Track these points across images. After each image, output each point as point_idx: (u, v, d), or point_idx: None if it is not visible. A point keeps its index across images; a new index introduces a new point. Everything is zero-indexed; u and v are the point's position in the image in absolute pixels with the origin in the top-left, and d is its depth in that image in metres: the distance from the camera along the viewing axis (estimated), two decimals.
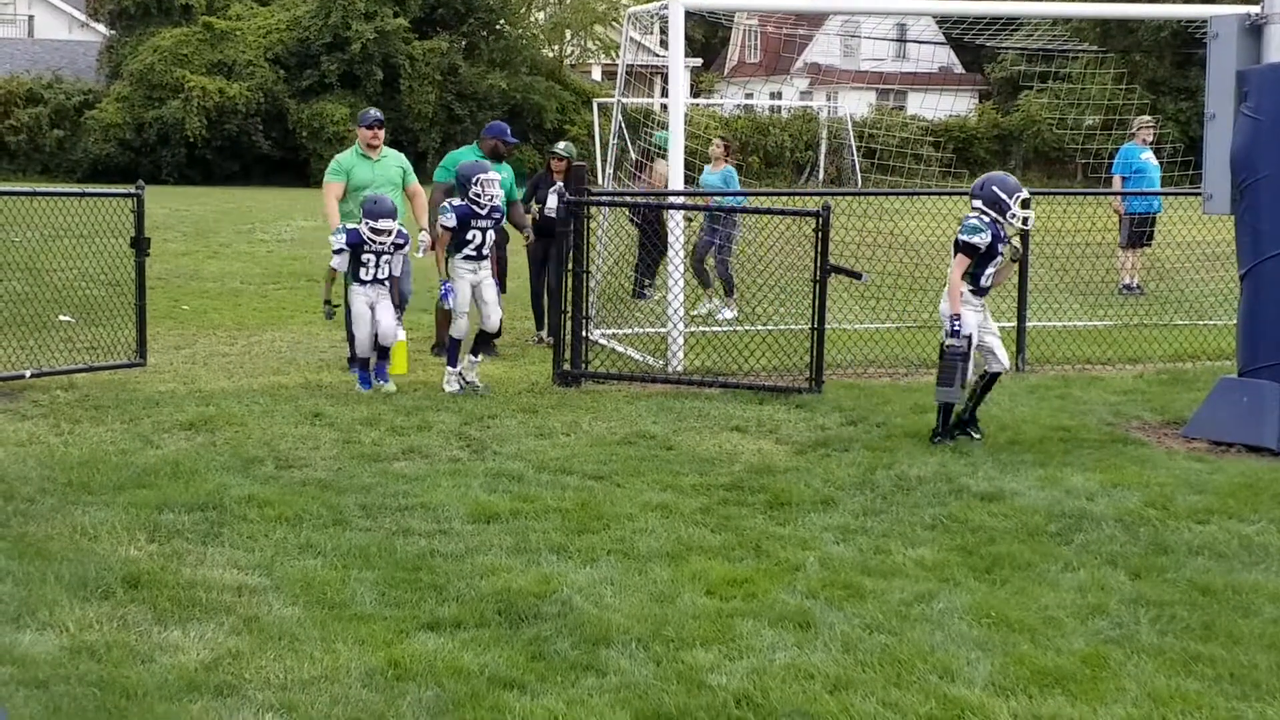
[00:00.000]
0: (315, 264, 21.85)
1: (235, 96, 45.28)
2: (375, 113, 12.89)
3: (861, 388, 12.06)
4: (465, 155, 13.20)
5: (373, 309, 11.71)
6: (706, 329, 13.92)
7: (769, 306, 13.79)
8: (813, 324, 11.86)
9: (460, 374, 11.71)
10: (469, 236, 11.60)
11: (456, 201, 11.64)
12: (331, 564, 7.16)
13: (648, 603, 6.65)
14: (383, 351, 11.81)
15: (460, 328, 11.63)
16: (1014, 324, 13.57)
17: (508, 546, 7.49)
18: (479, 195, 11.58)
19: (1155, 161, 19.11)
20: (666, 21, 13.46)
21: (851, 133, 44.42)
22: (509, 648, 6.07)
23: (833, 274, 12.05)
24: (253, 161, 46.75)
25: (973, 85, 63.04)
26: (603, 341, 13.62)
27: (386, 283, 11.84)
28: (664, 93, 16.10)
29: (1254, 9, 10.43)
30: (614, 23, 53.49)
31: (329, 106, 46.41)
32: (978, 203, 10.19)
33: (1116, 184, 19.42)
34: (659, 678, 5.76)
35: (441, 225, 11.62)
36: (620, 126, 17.07)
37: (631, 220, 15.61)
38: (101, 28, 53.32)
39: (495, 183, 11.72)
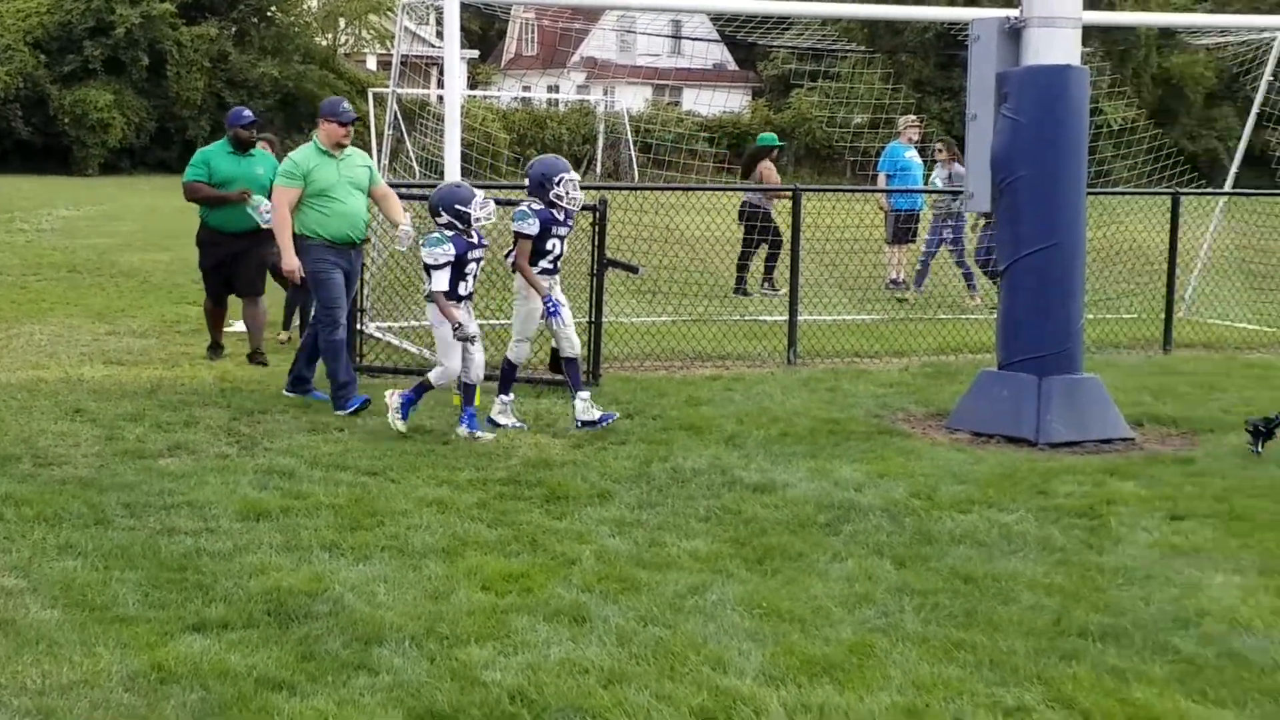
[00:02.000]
0: (78, 255, 21.18)
1: None
2: (349, 107, 11.40)
3: (638, 381, 12.13)
4: (215, 152, 12.78)
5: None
6: (484, 322, 13.82)
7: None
8: (590, 317, 11.89)
9: (508, 408, 10.46)
10: (548, 246, 10.30)
11: (537, 206, 10.29)
12: (92, 565, 6.93)
13: (422, 600, 6.59)
14: (470, 392, 10.12)
15: (521, 353, 10.55)
16: (785, 318, 13.80)
17: (278, 544, 7.35)
18: (561, 198, 10.28)
19: (919, 160, 19.60)
20: (441, 12, 13.35)
21: (628, 127, 44.66)
22: (278, 648, 5.95)
23: (609, 268, 12.10)
24: (12, 148, 45.08)
25: (746, 82, 63.91)
26: (378, 335, 13.46)
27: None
28: (440, 84, 15.98)
29: (1013, 13, 10.75)
30: (389, 12, 52.95)
31: (92, 93, 45.02)
32: None
33: (881, 181, 19.87)
34: (432, 676, 5.70)
35: (519, 233, 10.27)
36: (396, 117, 16.91)
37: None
38: None
39: (577, 184, 10.42)
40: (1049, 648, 6.13)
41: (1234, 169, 18.34)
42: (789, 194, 14.47)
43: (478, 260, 10.15)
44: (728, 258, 15.56)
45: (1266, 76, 17.34)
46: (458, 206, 10.00)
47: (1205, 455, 9.95)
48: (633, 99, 50.99)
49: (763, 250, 18.58)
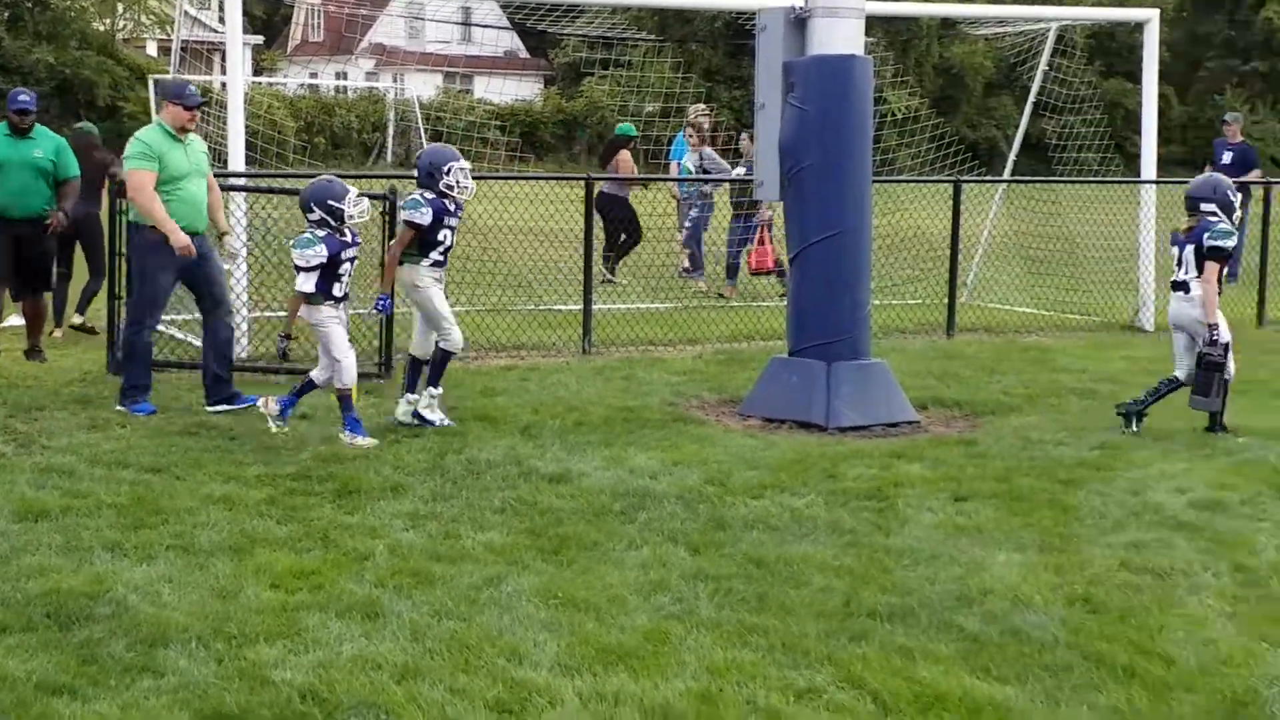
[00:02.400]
0: None
1: None
2: (195, 90, 10.69)
3: None
4: None
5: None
6: (273, 314, 13.58)
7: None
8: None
9: (431, 400, 10.11)
10: (439, 237, 9.97)
11: (431, 195, 9.95)
12: None
13: (209, 599, 6.44)
14: (307, 388, 9.86)
15: (455, 339, 10.12)
16: (580, 307, 13.81)
17: (57, 545, 7.11)
18: (453, 188, 9.96)
19: (710, 148, 19.77)
20: None
21: (419, 115, 44.29)
22: (59, 652, 5.75)
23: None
24: None
25: (538, 70, 63.84)
26: (160, 328, 13.10)
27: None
28: (223, 70, 15.66)
29: (798, 2, 10.88)
30: None
31: None
32: (1209, 206, 10.19)
33: (673, 170, 20.01)
34: (220, 676, 5.57)
35: (408, 221, 9.90)
36: None
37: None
38: None
39: (468, 172, 10.09)
40: (839, 629, 6.23)
41: (1012, 156, 18.90)
42: (582, 181, 14.46)
43: (352, 260, 9.87)
44: (522, 247, 15.50)
45: (1042, 66, 17.88)
46: (330, 202, 9.66)
47: (987, 437, 10.22)
48: (423, 86, 50.57)
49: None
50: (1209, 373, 10.07)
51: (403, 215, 10.03)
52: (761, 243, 17.37)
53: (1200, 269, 10.13)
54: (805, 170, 10.67)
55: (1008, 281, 18.39)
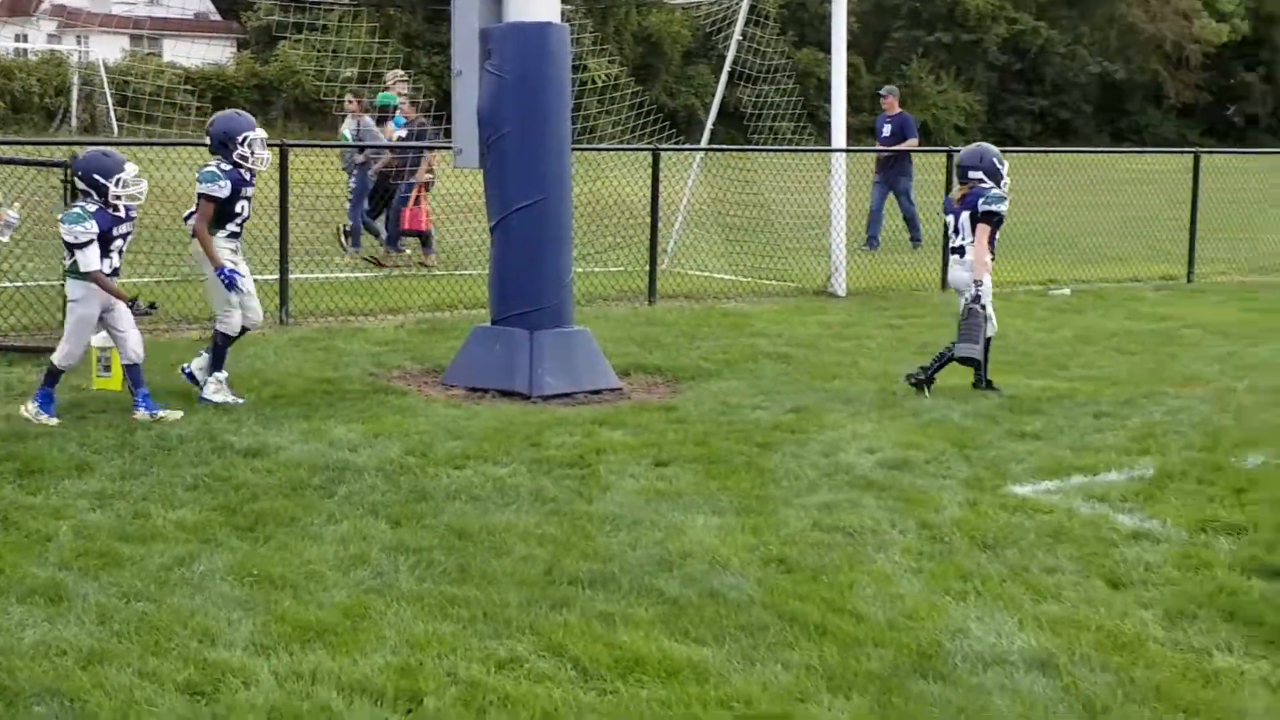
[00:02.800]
0: None
1: None
2: None
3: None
4: None
5: (105, 315, 9.28)
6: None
7: (24, 262, 12.93)
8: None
9: (228, 382, 9.89)
10: (237, 209, 9.66)
11: (227, 166, 9.61)
12: None
13: None
14: (135, 373, 9.35)
15: (236, 322, 9.82)
16: (276, 277, 13.50)
17: None
18: (247, 158, 9.63)
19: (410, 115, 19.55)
20: None
21: (105, 78, 42.67)
22: None
23: None
24: None
25: (229, 33, 62.16)
26: None
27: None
28: None
29: None
30: None
31: None
32: (977, 174, 10.47)
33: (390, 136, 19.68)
34: None
35: (206, 195, 9.57)
36: None
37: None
38: None
39: (264, 141, 9.76)
40: (541, 598, 6.24)
41: (709, 125, 19.19)
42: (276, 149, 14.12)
43: (125, 236, 9.37)
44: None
45: (736, 36, 18.19)
46: (95, 176, 9.16)
47: (687, 402, 10.38)
48: (108, 49, 48.72)
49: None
50: (973, 320, 10.47)
51: (200, 188, 9.68)
52: (417, 203, 17.54)
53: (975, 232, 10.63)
54: (504, 138, 10.62)
55: (707, 248, 18.70)
